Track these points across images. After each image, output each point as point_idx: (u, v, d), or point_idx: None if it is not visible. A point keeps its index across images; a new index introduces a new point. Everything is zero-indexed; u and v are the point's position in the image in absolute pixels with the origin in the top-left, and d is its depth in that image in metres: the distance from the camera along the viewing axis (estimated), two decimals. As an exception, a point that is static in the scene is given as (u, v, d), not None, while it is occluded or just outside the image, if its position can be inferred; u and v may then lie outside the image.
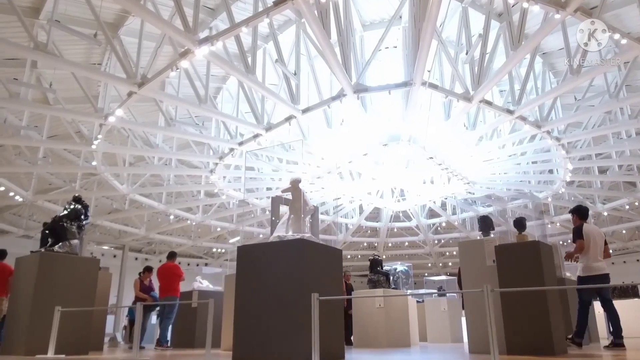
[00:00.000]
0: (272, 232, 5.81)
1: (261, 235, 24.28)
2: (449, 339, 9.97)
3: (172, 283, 9.79)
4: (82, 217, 6.20)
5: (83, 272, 5.85)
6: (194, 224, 21.20)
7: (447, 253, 27.21)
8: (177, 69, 8.92)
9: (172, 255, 10.36)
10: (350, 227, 23.10)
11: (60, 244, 5.83)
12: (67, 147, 14.17)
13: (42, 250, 5.90)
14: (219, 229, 22.63)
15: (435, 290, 16.16)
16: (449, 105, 12.18)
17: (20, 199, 16.62)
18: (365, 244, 28.53)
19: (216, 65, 9.86)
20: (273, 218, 6.39)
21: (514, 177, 17.11)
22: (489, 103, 10.83)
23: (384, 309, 8.57)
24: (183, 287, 10.29)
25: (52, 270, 5.57)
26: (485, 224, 7.36)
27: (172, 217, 20.48)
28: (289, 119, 11.57)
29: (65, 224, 5.99)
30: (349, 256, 29.71)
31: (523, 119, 11.58)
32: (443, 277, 17.67)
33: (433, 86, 10.15)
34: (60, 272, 5.61)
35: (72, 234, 5.98)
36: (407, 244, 25.85)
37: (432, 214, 23.46)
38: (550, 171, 17.34)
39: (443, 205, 20.97)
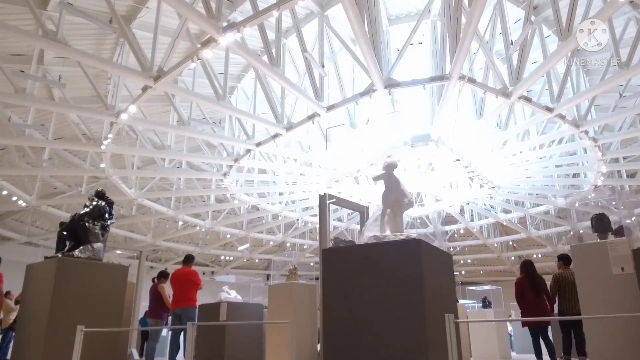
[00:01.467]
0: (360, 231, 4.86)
1: (271, 243, 23.53)
2: (498, 355, 9.09)
3: (188, 291, 8.33)
4: (107, 215, 5.41)
5: (109, 282, 4.82)
6: (203, 230, 20.41)
7: (462, 261, 26.35)
8: (199, 59, 8.20)
9: (188, 260, 8.90)
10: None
11: (81, 247, 4.88)
12: (75, 148, 13.41)
13: (59, 255, 4.90)
14: (228, 236, 21.81)
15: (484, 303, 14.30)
16: (482, 103, 11.45)
17: (24, 204, 15.86)
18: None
19: (239, 55, 9.12)
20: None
21: (540, 181, 16.34)
22: (528, 100, 10.09)
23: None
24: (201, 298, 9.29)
25: (72, 280, 4.54)
26: (602, 223, 6.28)
27: (180, 223, 19.70)
28: (312, 117, 10.84)
29: (87, 224, 5.07)
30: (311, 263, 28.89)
31: (562, 117, 10.85)
32: (487, 287, 16.73)
33: (471, 80, 9.42)
34: (82, 282, 4.57)
35: (95, 235, 5.05)
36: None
37: (447, 220, 22.69)
38: (575, 175, 16.60)
39: (461, 211, 20.20)
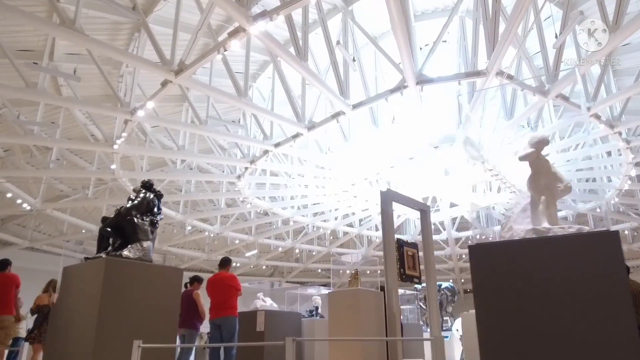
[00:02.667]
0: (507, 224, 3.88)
1: (280, 249, 22.94)
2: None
3: (228, 299, 7.21)
4: (155, 209, 4.76)
5: (164, 286, 4.01)
6: (211, 235, 19.81)
7: None
8: (225, 50, 7.68)
9: (225, 263, 7.72)
10: (375, 240, 21.76)
11: (129, 246, 4.16)
12: (86, 148, 12.86)
13: (103, 255, 4.10)
14: (237, 242, 21.21)
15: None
16: (512, 102, 10.98)
17: (28, 207, 15.27)
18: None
19: (265, 46, 8.60)
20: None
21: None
22: (565, 98, 9.62)
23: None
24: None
25: (122, 285, 3.76)
26: None
27: (189, 227, 19.11)
28: (336, 115, 10.34)
29: (135, 219, 4.35)
30: (367, 272, 28.30)
31: (598, 117, 10.38)
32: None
33: (509, 77, 8.93)
34: (134, 287, 3.80)
35: (144, 232, 4.33)
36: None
37: (460, 226, 22.11)
38: (594, 180, 16.12)
39: (477, 217, 19.69)
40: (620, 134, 11.19)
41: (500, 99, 11.21)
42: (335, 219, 19.50)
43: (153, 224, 4.58)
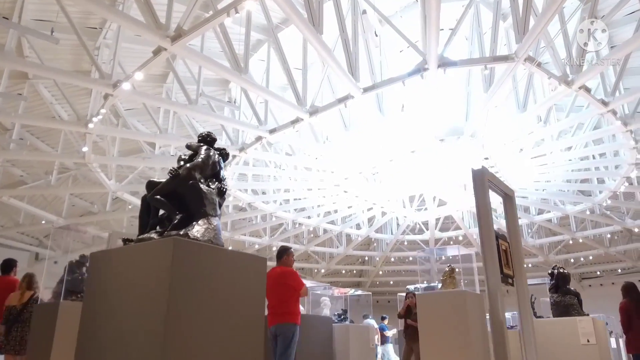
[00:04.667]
0: None
1: (257, 246, 21.79)
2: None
3: (286, 301, 5.71)
4: (222, 174, 3.41)
5: (245, 279, 2.82)
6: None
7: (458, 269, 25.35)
8: (237, 12, 6.65)
9: (283, 253, 6.01)
10: (357, 239, 21.00)
11: (196, 223, 2.81)
12: (55, 127, 11.41)
13: (154, 235, 2.88)
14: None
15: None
16: (527, 93, 10.43)
17: (-20, 193, 13.59)
18: (361, 259, 26.49)
19: (281, 8, 7.57)
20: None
21: (556, 186, 15.56)
22: (588, 90, 9.11)
23: (597, 346, 6.22)
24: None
25: (197, 275, 2.53)
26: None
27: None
28: (343, 99, 9.45)
29: (201, 185, 3.04)
30: (343, 271, 27.59)
31: (614, 113, 9.96)
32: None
33: (537, 64, 8.31)
34: (211, 279, 2.60)
35: (213, 205, 3.01)
36: (411, 258, 23.91)
37: (442, 227, 21.67)
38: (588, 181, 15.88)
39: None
40: (631, 132, 10.84)
41: (514, 89, 10.61)
42: (318, 215, 18.60)
43: (221, 194, 3.24)
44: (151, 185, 3.12)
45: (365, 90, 9.15)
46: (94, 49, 10.89)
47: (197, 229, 2.77)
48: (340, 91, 11.19)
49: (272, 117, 11.27)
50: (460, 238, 20.76)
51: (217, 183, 3.24)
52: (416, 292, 7.73)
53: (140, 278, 2.57)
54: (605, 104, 9.58)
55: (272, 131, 10.86)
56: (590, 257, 22.01)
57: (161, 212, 3.17)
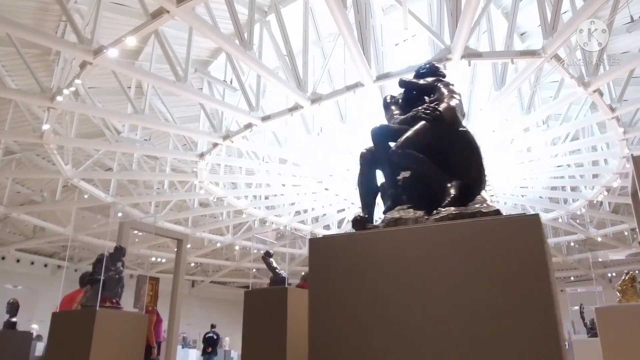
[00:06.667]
0: None
1: (219, 244, 20.50)
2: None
3: None
4: None
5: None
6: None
7: None
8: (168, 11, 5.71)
9: None
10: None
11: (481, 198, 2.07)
12: (11, 97, 9.82)
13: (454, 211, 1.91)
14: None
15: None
16: (532, 95, 10.16)
17: None
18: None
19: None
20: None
21: (538, 192, 15.59)
22: (601, 94, 8.92)
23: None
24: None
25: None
26: None
27: (120, 214, 16.09)
28: (353, 87, 8.69)
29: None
30: (302, 272, 26.68)
31: (618, 120, 9.88)
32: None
33: (562, 63, 7.96)
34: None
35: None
36: None
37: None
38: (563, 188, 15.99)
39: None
40: (618, 119, 10.50)
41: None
42: (289, 214, 17.71)
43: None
44: (382, 133, 2.16)
45: (378, 78, 8.45)
46: (61, 16, 9.47)
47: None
48: (340, 80, 10.48)
49: (264, 103, 10.33)
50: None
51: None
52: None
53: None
54: (612, 109, 9.44)
55: (265, 118, 9.91)
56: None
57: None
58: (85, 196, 14.46)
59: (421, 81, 2.63)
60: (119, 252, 4.62)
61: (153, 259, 22.07)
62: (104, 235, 20.53)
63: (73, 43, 7.45)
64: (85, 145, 11.89)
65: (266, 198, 16.26)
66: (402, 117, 2.45)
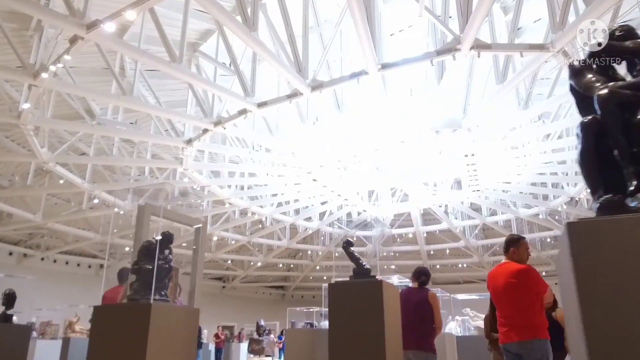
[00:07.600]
0: None
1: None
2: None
3: (527, 310, 3.80)
4: None
5: None
6: (121, 212, 16.21)
7: (438, 266, 25.18)
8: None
9: (513, 243, 4.00)
10: (307, 231, 20.06)
11: None
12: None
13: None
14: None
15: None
16: (530, 90, 10.18)
17: None
18: (302, 253, 25.59)
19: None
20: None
21: (523, 188, 15.80)
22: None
23: None
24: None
25: None
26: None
27: (96, 200, 15.36)
28: (357, 75, 8.45)
29: None
30: (280, 265, 26.45)
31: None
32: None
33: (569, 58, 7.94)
34: None
35: None
36: (397, 254, 23.40)
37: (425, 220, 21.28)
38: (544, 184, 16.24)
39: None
40: None
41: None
42: (272, 205, 17.38)
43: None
44: (614, 98, 1.81)
45: (384, 66, 8.23)
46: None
47: None
48: (337, 69, 10.23)
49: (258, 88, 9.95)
50: (410, 235, 20.70)
51: None
52: None
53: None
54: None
55: (261, 105, 9.54)
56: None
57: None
58: (61, 181, 13.69)
59: (627, 43, 2.32)
60: (167, 239, 4.23)
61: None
62: (77, 223, 19.67)
63: (64, 15, 6.90)
64: (67, 127, 11.22)
65: (249, 188, 15.87)
66: (632, 80, 2.12)
